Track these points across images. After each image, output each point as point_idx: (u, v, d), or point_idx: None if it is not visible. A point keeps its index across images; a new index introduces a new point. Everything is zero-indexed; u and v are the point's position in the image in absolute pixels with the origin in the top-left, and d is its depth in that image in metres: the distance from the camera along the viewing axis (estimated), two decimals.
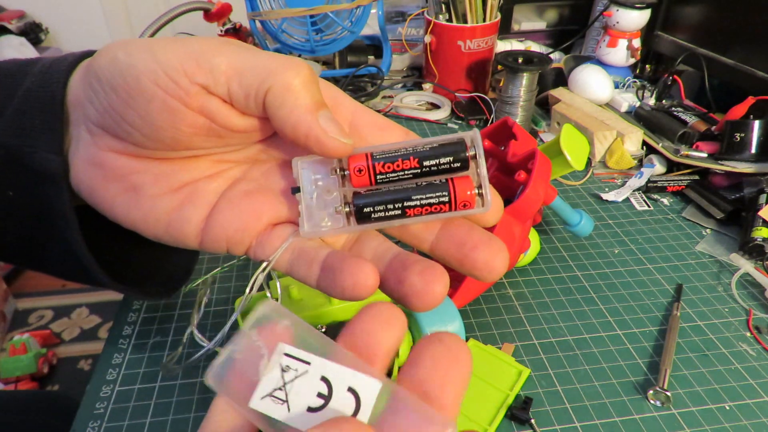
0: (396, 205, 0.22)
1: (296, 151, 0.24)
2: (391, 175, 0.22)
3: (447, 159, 0.21)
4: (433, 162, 0.21)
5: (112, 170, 0.24)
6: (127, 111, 0.22)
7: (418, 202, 0.21)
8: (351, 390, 0.16)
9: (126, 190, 0.24)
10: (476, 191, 0.22)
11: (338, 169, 0.22)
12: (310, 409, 0.15)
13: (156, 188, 0.24)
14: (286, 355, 0.16)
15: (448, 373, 0.16)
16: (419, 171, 0.22)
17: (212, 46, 0.22)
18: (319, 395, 0.16)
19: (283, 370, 0.16)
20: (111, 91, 0.22)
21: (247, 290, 0.24)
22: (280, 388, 0.16)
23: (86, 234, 0.27)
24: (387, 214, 0.22)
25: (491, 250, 0.21)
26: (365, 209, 0.22)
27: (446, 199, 0.21)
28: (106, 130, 0.23)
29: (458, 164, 0.22)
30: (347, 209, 0.22)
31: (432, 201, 0.21)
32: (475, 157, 0.22)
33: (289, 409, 0.15)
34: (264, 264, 0.24)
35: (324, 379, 0.16)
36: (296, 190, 0.23)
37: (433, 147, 0.21)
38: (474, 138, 0.22)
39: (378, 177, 0.22)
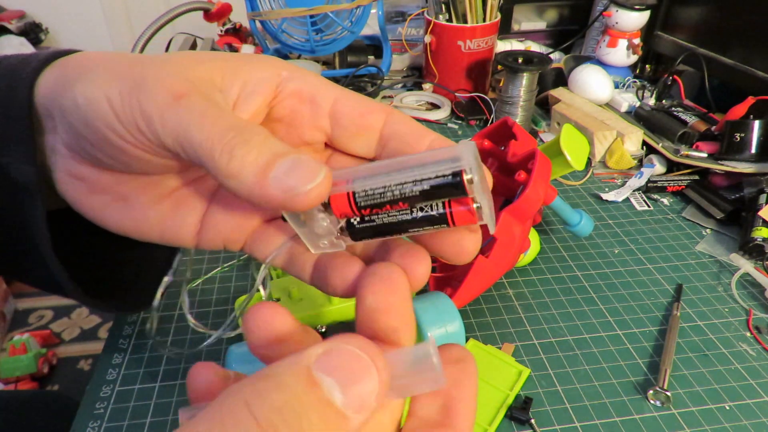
0: (393, 235, 0.21)
1: None
2: (376, 217, 0.20)
3: (441, 200, 0.19)
4: (425, 204, 0.19)
5: (95, 183, 0.23)
6: (89, 146, 0.21)
7: (415, 232, 0.20)
8: None
9: (115, 200, 0.24)
10: (477, 214, 0.19)
11: (322, 208, 0.20)
12: None
13: (145, 197, 0.24)
14: None
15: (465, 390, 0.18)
16: (409, 217, 0.20)
17: (165, 101, 0.19)
18: None
19: None
20: (71, 121, 0.21)
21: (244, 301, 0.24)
22: None
23: (69, 237, 0.26)
24: (385, 238, 0.21)
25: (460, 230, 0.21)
26: (362, 237, 0.21)
27: (445, 226, 0.20)
28: (78, 154, 0.23)
29: (454, 197, 0.19)
30: (345, 240, 0.21)
31: (429, 230, 0.20)
32: (471, 181, 0.18)
33: None
34: (261, 270, 0.24)
35: None
36: (284, 218, 0.21)
37: (424, 191, 0.18)
38: (470, 159, 0.18)
39: (365, 218, 0.20)
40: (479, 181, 0.18)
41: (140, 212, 0.24)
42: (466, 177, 0.18)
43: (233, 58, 0.22)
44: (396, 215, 0.20)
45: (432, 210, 0.19)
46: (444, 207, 0.19)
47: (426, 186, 0.18)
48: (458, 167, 0.18)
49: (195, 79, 0.20)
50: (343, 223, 0.21)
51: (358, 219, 0.20)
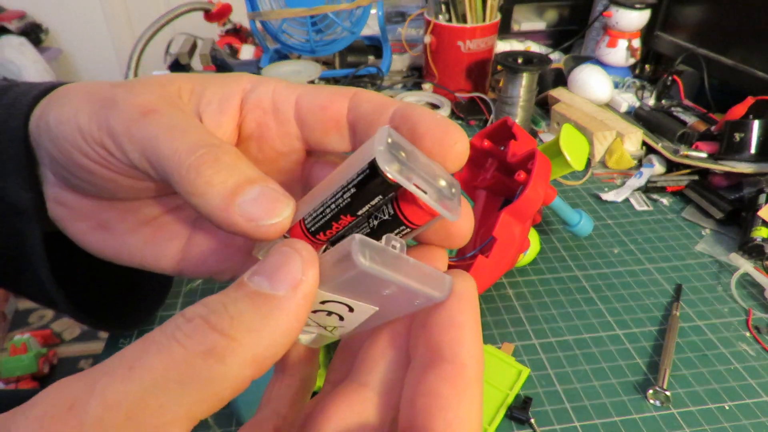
0: None
1: None
2: (337, 235, 0.18)
3: (376, 199, 0.17)
4: (365, 209, 0.17)
5: (77, 210, 0.24)
6: (65, 172, 0.22)
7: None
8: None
9: (95, 227, 0.24)
10: (427, 201, 0.16)
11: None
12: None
13: (125, 225, 0.24)
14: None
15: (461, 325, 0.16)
16: (360, 220, 0.18)
17: (133, 117, 0.19)
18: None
19: None
20: (51, 154, 0.21)
21: None
22: None
23: (67, 256, 0.27)
24: None
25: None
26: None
27: (406, 228, 0.18)
28: (61, 180, 0.23)
29: (392, 193, 0.17)
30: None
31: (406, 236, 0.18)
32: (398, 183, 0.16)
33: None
34: None
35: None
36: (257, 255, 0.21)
37: (354, 195, 0.16)
38: (382, 159, 0.15)
39: (327, 242, 0.19)
40: (406, 162, 0.16)
41: (119, 239, 0.24)
42: (381, 165, 0.15)
43: (199, 77, 0.22)
44: (351, 230, 0.18)
45: (384, 215, 0.18)
46: (393, 207, 0.17)
47: (353, 189, 0.16)
48: (372, 155, 0.15)
49: (165, 93, 0.20)
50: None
51: (323, 248, 0.19)
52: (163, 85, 0.20)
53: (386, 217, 0.17)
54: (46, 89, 0.23)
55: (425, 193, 0.16)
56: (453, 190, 0.17)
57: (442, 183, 0.17)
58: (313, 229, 0.18)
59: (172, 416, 0.13)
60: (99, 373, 0.13)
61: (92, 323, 0.31)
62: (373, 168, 0.15)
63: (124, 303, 0.35)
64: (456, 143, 0.17)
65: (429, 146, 0.17)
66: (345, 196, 0.17)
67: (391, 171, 0.15)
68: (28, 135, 0.23)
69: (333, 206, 0.17)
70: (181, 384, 0.13)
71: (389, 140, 0.16)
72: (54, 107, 0.21)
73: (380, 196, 0.17)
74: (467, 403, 0.15)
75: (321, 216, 0.17)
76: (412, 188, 0.15)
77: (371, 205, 0.17)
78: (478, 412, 0.16)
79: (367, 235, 0.18)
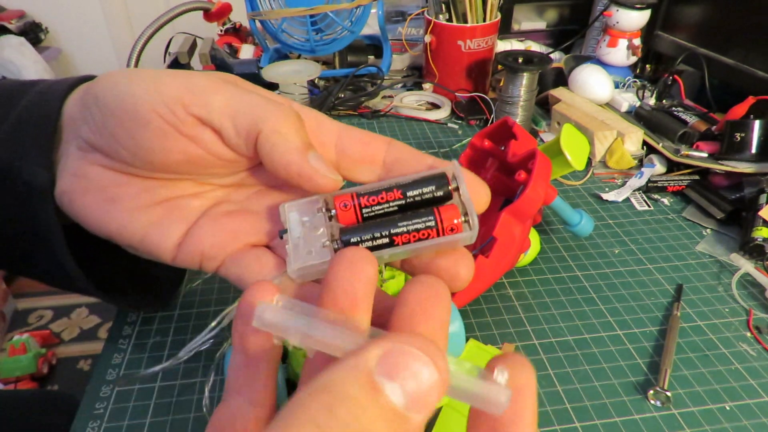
0: (383, 233, 0.21)
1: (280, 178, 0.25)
2: (376, 208, 0.22)
3: (429, 188, 0.22)
4: (416, 192, 0.22)
5: (93, 181, 0.25)
6: (121, 132, 0.23)
7: (404, 229, 0.21)
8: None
9: (105, 200, 0.25)
10: (462, 219, 0.21)
11: (324, 209, 0.22)
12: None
13: (135, 202, 0.25)
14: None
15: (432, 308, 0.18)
16: (403, 202, 0.22)
17: (211, 83, 0.23)
18: None
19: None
20: (108, 112, 0.23)
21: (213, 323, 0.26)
22: None
23: (78, 243, 0.27)
24: (375, 243, 0.21)
25: (455, 256, 0.22)
26: (352, 240, 0.21)
27: (432, 223, 0.21)
28: (96, 148, 0.24)
29: (441, 193, 0.22)
30: (335, 245, 0.22)
31: (419, 226, 0.21)
32: (457, 189, 0.22)
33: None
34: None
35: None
36: (284, 232, 0.23)
37: (415, 180, 0.22)
38: (455, 170, 0.22)
39: (363, 211, 0.22)
40: (465, 190, 0.22)
41: (127, 214, 0.25)
42: (449, 176, 0.22)
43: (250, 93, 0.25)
44: (388, 211, 0.22)
45: (420, 210, 0.22)
46: (432, 208, 0.22)
47: (417, 177, 0.22)
48: (444, 170, 0.22)
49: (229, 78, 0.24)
50: (337, 230, 0.22)
51: (354, 220, 0.22)
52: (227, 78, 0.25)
53: (422, 210, 0.22)
54: (85, 77, 0.26)
55: (467, 219, 0.21)
56: (476, 221, 0.22)
57: (470, 200, 0.22)
58: (363, 192, 0.22)
59: None
60: None
61: (109, 299, 0.31)
62: (442, 173, 0.22)
63: (139, 283, 0.35)
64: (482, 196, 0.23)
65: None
66: (407, 180, 0.22)
67: (456, 178, 0.22)
68: (60, 117, 0.25)
69: (392, 182, 0.22)
70: None
71: (458, 168, 0.22)
72: (119, 83, 0.23)
73: (433, 187, 0.22)
74: None
75: (377, 188, 0.22)
76: (463, 187, 0.22)
77: (422, 191, 0.22)
78: None
79: (397, 219, 0.22)
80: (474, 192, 0.22)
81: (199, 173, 0.25)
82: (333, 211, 0.22)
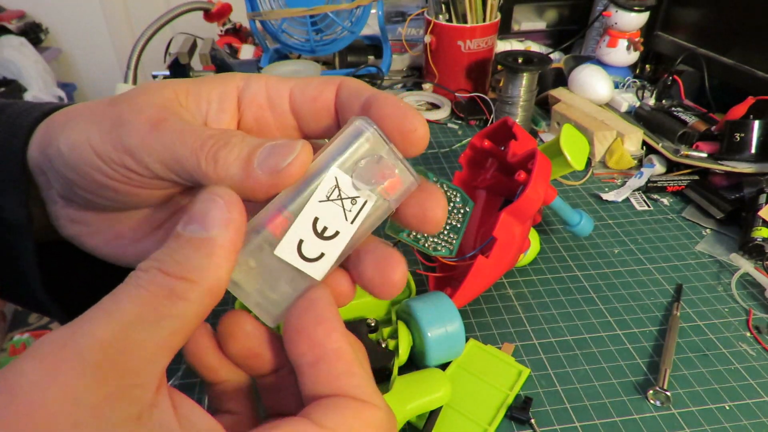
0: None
1: None
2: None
3: (360, 151, 0.20)
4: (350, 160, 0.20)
5: (93, 225, 0.25)
6: (86, 192, 0.22)
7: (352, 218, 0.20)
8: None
9: (112, 239, 0.25)
10: (394, 176, 0.20)
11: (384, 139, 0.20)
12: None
13: (140, 232, 0.25)
14: None
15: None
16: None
17: (145, 131, 0.20)
18: None
19: None
20: (68, 178, 0.22)
21: None
22: None
23: (62, 265, 0.27)
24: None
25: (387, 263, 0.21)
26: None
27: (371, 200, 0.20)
28: (75, 202, 0.24)
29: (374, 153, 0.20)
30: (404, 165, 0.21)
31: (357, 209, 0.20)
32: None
33: None
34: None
35: None
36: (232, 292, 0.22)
37: (338, 148, 0.20)
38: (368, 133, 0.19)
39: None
40: (381, 136, 0.19)
41: (137, 246, 0.25)
42: (360, 123, 0.19)
43: (192, 81, 0.23)
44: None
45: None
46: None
47: (337, 139, 0.20)
48: (353, 121, 0.20)
49: (164, 101, 0.21)
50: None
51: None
52: (160, 93, 0.21)
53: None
54: (45, 113, 0.24)
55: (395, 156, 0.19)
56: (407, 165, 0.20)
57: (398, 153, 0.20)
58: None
59: (153, 348, 0.16)
60: (81, 321, 0.15)
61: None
62: (357, 128, 0.19)
63: None
64: (415, 129, 0.19)
65: (390, 130, 0.19)
66: (332, 150, 0.20)
67: (373, 128, 0.19)
68: (26, 158, 0.23)
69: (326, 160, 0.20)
70: (155, 322, 0.16)
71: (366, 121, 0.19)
72: (61, 134, 0.21)
73: (363, 148, 0.19)
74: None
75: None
76: (393, 147, 0.19)
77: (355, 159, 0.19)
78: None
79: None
80: (395, 119, 0.20)
81: (180, 193, 0.24)
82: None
